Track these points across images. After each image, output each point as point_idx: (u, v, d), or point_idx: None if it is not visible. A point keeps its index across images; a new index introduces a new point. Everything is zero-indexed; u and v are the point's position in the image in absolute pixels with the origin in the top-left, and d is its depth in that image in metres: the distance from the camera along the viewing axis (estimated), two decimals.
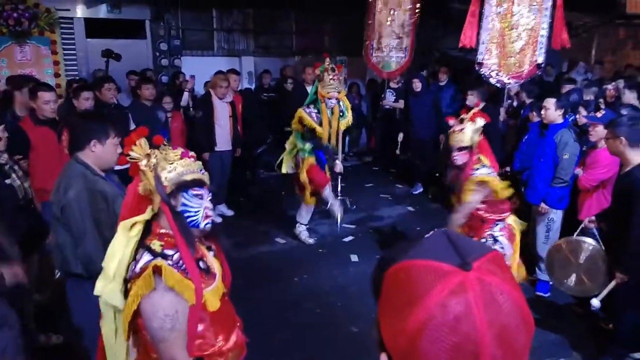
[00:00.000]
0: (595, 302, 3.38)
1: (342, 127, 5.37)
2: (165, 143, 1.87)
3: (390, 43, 7.48)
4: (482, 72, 6.14)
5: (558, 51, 13.00)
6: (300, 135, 5.28)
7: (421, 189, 7.59)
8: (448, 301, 0.65)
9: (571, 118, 4.83)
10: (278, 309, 4.27)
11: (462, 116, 3.59)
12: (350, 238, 5.81)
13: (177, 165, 1.81)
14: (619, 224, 3.30)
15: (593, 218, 3.80)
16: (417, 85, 7.36)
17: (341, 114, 5.28)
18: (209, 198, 1.92)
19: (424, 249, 0.74)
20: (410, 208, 6.94)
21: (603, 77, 7.75)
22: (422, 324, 0.65)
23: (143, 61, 8.32)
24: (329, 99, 5.02)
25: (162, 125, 5.93)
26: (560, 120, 4.32)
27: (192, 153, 1.90)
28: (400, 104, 7.94)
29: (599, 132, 4.08)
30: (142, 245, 1.78)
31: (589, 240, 3.77)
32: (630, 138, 3.25)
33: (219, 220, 6.51)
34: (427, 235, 0.78)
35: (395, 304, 0.71)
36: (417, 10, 7.22)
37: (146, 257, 1.73)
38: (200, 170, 1.88)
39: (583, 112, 4.69)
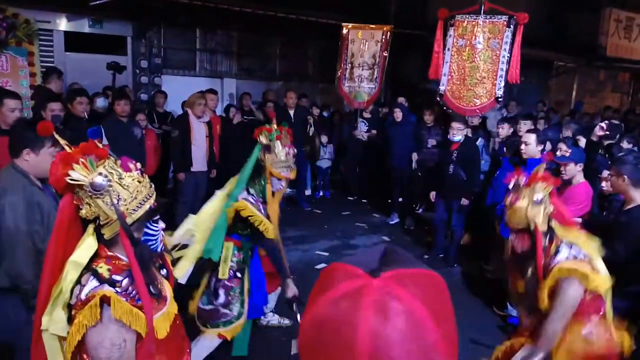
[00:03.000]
0: None
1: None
2: (111, 154, 1.64)
3: (362, 74, 7.55)
4: (442, 103, 6.17)
5: (538, 89, 13.35)
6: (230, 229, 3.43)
7: (397, 220, 7.53)
8: (340, 300, 0.63)
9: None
10: None
11: (515, 179, 2.57)
12: (322, 265, 5.68)
13: (136, 192, 1.63)
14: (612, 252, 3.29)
15: None
16: (398, 114, 7.37)
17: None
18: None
19: (357, 255, 0.74)
20: (385, 238, 6.87)
21: (517, 114, 7.97)
22: (312, 319, 0.64)
23: (122, 77, 8.21)
24: (279, 179, 3.47)
25: (138, 142, 5.81)
26: (539, 156, 4.33)
27: (138, 165, 1.70)
28: (373, 133, 7.96)
29: (570, 169, 4.17)
30: (87, 267, 1.61)
31: None
32: (634, 177, 3.28)
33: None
34: (371, 247, 0.77)
35: (309, 299, 0.72)
36: (388, 42, 7.30)
37: (92, 282, 1.57)
38: (151, 187, 1.72)
39: (564, 148, 4.72)
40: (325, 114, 9.58)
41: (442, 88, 6.07)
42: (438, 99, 6.16)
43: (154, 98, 7.64)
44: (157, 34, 8.79)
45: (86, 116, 5.21)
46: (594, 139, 5.15)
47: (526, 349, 2.52)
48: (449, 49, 5.98)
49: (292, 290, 3.47)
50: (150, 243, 1.73)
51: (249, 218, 3.30)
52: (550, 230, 2.47)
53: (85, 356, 1.57)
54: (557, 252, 2.44)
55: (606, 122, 5.54)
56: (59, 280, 1.60)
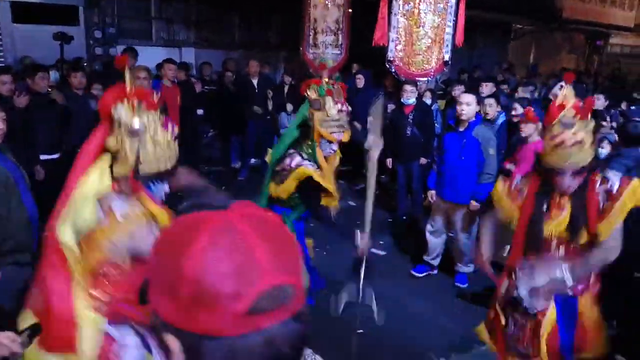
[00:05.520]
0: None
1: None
2: (159, 111, 1.78)
3: (326, 40, 7.46)
4: (391, 69, 6.19)
5: (497, 52, 13.50)
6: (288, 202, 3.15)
7: (363, 185, 7.61)
8: (218, 238, 0.65)
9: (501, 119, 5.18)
10: None
11: (563, 114, 2.28)
12: None
13: (160, 151, 1.76)
14: None
15: None
16: (360, 82, 7.36)
17: None
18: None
19: (182, 211, 0.75)
20: (351, 203, 6.94)
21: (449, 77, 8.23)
22: (199, 263, 0.64)
23: (76, 49, 7.91)
24: (330, 142, 3.04)
25: (95, 115, 5.65)
26: (473, 118, 4.35)
27: (176, 129, 1.84)
28: None
29: (529, 127, 4.27)
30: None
31: None
32: None
33: None
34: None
35: (166, 266, 0.68)
36: (349, 6, 7.23)
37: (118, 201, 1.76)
38: (175, 153, 1.85)
39: (520, 108, 4.85)
40: (294, 82, 9.49)
41: (390, 54, 6.08)
42: (387, 65, 6.17)
43: (109, 69, 7.40)
44: (111, 3, 8.48)
45: (49, 91, 5.03)
46: (551, 98, 5.29)
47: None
48: (395, 14, 5.97)
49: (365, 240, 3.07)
50: None
51: (316, 185, 2.96)
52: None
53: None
54: (607, 178, 2.39)
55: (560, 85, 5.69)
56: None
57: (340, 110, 3.01)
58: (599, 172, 2.41)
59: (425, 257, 4.79)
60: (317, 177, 2.96)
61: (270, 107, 7.76)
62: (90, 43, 8.23)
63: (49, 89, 5.09)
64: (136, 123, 1.69)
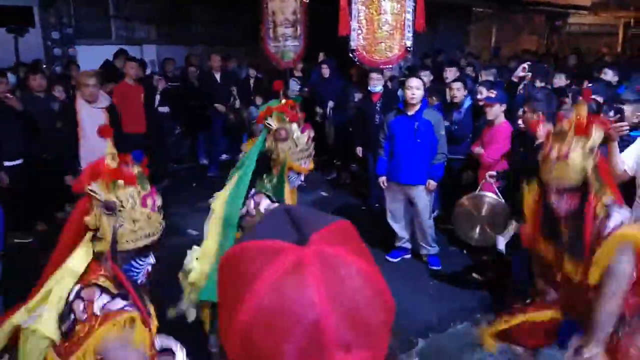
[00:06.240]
0: (501, 245, 3.58)
1: None
2: (139, 185, 1.68)
3: (285, 32, 7.41)
4: (355, 59, 6.21)
5: (458, 37, 13.66)
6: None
7: (335, 175, 7.67)
8: (281, 283, 0.55)
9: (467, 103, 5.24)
10: None
11: (559, 126, 2.15)
12: None
13: (139, 227, 1.67)
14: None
15: (494, 173, 4.11)
16: (325, 71, 7.40)
17: None
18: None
19: (261, 229, 0.65)
20: (324, 193, 7.00)
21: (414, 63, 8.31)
22: (253, 312, 0.55)
23: (33, 51, 7.68)
24: (298, 173, 2.74)
25: (57, 117, 5.50)
26: (421, 102, 4.45)
27: (158, 202, 1.74)
28: (305, 92, 7.97)
29: (495, 110, 4.36)
30: (84, 281, 1.62)
31: (489, 194, 4.07)
32: (547, 113, 3.51)
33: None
34: (268, 213, 0.70)
35: (227, 295, 0.61)
36: None
37: (105, 297, 1.59)
38: (159, 225, 1.76)
39: (485, 92, 4.93)
40: (259, 75, 9.41)
41: (353, 43, 6.09)
42: (350, 54, 6.18)
43: (68, 71, 7.21)
44: (67, 2, 8.22)
45: (6, 97, 4.86)
46: (514, 79, 5.39)
47: (576, 341, 2.17)
48: (355, 3, 5.97)
49: None
50: (131, 274, 1.76)
51: None
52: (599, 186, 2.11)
53: None
54: (608, 214, 2.08)
55: (528, 63, 5.77)
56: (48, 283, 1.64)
57: (309, 138, 2.68)
58: (601, 200, 2.11)
59: (397, 243, 4.87)
60: None
61: (237, 104, 7.69)
62: (48, 44, 8.00)
63: (7, 95, 4.92)
64: (112, 201, 1.63)
